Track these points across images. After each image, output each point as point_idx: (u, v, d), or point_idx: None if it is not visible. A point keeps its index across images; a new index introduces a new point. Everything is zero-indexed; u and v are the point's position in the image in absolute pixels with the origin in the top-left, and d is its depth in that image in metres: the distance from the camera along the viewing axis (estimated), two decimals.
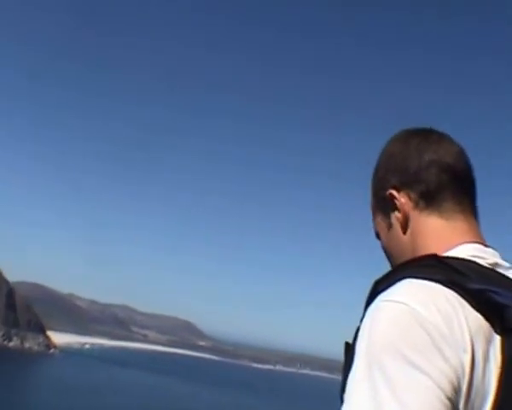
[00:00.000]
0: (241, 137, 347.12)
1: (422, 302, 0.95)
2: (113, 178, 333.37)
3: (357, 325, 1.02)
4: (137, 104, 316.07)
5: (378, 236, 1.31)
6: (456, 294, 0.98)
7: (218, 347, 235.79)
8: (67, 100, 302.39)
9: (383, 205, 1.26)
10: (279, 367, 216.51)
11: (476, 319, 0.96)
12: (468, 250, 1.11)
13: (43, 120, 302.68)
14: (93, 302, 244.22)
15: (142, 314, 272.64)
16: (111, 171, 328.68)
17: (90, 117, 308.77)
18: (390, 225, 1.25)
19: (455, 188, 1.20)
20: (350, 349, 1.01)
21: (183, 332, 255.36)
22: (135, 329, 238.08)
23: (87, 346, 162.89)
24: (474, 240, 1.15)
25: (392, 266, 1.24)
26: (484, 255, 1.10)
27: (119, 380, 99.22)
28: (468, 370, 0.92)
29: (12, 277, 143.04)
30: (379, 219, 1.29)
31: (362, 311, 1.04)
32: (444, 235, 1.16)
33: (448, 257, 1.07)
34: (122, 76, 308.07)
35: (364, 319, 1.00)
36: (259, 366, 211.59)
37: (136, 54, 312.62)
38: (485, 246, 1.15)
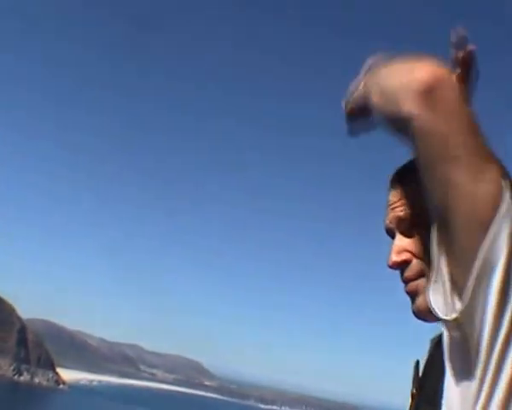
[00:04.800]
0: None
1: None
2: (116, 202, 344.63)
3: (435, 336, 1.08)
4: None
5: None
6: None
7: (224, 386, 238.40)
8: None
9: None
10: (285, 409, 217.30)
11: None
12: None
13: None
14: (102, 340, 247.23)
15: (151, 353, 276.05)
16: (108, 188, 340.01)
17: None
18: None
19: None
20: (418, 367, 1.06)
21: (191, 371, 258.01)
22: (143, 367, 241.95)
23: (95, 383, 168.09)
24: None
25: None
26: None
27: None
28: None
29: (25, 314, 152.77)
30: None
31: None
32: None
33: None
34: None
35: None
36: (266, 407, 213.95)
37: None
38: None
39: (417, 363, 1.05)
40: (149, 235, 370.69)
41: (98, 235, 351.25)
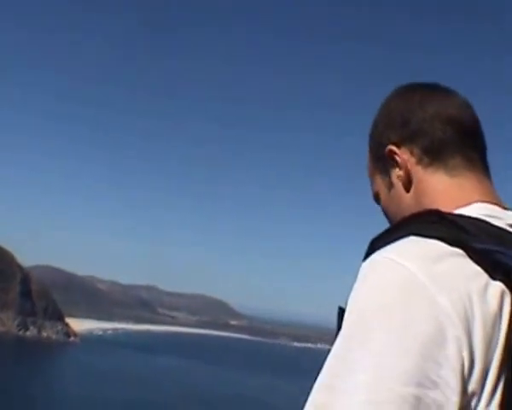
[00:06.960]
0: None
1: (422, 264, 0.91)
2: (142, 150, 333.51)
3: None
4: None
5: (377, 198, 1.30)
6: (463, 251, 0.94)
7: (253, 326, 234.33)
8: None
9: (382, 164, 1.24)
10: (321, 345, 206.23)
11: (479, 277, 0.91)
12: (479, 209, 1.07)
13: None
14: (115, 284, 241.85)
15: (169, 294, 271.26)
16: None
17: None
18: (391, 185, 1.23)
19: (462, 142, 1.17)
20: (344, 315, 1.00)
21: (215, 311, 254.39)
22: (162, 311, 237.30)
23: (110, 332, 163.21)
24: (487, 200, 1.11)
25: None
26: (498, 215, 1.05)
27: (146, 367, 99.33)
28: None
29: (26, 261, 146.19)
30: (378, 179, 1.27)
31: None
32: (451, 193, 1.13)
33: (452, 214, 1.03)
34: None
35: (357, 277, 0.97)
36: (299, 344, 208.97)
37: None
38: (503, 207, 1.11)
39: (341, 310, 1.01)
40: (160, 172, 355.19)
41: (103, 170, 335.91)
